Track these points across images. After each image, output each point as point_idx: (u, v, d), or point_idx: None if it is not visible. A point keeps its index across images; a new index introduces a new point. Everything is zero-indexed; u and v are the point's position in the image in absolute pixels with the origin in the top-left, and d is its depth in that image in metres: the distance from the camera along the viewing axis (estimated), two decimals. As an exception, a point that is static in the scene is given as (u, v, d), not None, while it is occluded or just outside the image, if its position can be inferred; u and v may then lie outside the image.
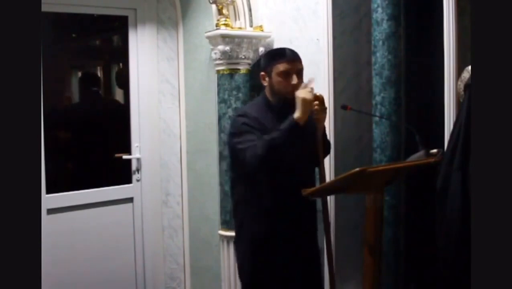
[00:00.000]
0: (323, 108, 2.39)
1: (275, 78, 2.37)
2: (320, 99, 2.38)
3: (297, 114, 2.23)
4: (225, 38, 3.17)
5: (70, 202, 3.45)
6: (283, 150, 2.24)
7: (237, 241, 2.56)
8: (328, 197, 2.88)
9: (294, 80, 2.35)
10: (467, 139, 1.86)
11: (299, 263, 2.44)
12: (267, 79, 2.41)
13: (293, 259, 2.42)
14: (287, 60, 2.36)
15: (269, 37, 3.31)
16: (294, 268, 2.43)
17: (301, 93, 2.25)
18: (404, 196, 2.66)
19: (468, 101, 1.93)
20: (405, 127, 2.59)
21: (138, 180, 3.71)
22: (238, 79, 3.24)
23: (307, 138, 2.37)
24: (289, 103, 2.32)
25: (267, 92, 2.45)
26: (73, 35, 3.81)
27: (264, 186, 2.38)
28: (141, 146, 3.69)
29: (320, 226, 2.52)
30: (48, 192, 3.34)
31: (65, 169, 3.68)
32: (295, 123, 2.22)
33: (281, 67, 2.35)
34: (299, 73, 2.38)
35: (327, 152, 2.59)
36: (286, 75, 2.35)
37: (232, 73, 3.24)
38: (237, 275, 3.25)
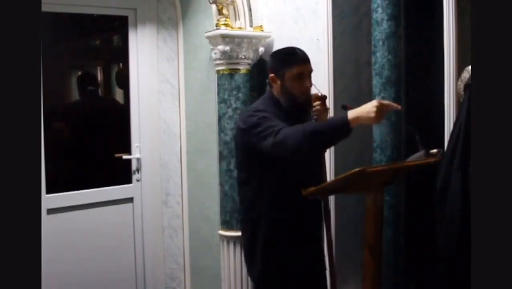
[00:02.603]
0: (325, 109, 2.38)
1: (289, 82, 2.31)
2: (322, 99, 2.36)
3: (352, 116, 2.04)
4: (225, 38, 3.17)
5: (70, 202, 3.45)
6: (323, 147, 2.17)
7: (252, 246, 2.44)
8: (328, 197, 2.88)
9: (308, 82, 2.33)
10: (467, 139, 1.86)
11: (308, 262, 2.43)
12: (278, 81, 2.34)
13: (303, 258, 2.41)
14: (301, 62, 2.32)
15: (269, 37, 3.31)
16: (304, 268, 2.42)
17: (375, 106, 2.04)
18: (404, 196, 2.66)
19: (468, 101, 1.93)
20: (405, 127, 2.59)
21: (138, 180, 3.71)
22: (238, 79, 3.24)
23: None
24: (299, 104, 2.32)
25: (276, 92, 2.38)
26: (73, 35, 3.81)
27: (276, 186, 2.34)
28: (141, 146, 3.69)
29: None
30: (48, 192, 3.34)
31: (65, 169, 3.68)
32: (347, 123, 2.05)
33: (296, 70, 2.30)
34: (310, 74, 2.36)
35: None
36: (300, 77, 2.30)
37: (232, 73, 3.24)
38: (237, 275, 3.28)
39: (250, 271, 2.53)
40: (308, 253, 2.43)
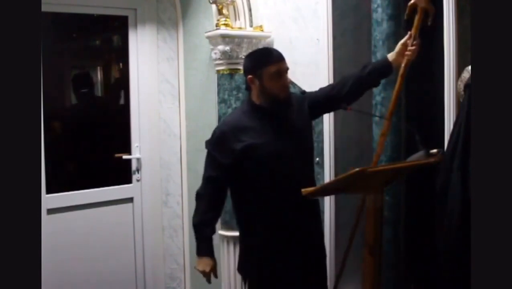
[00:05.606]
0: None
1: (268, 81, 2.28)
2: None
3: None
4: (225, 38, 3.17)
5: (70, 202, 3.45)
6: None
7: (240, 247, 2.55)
8: (328, 197, 2.88)
9: (287, 79, 2.33)
10: (467, 139, 1.86)
11: (305, 266, 2.41)
12: (256, 82, 2.31)
13: (299, 262, 2.38)
14: (277, 60, 2.30)
15: (269, 37, 3.31)
16: (300, 272, 2.40)
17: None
18: (404, 196, 2.66)
19: (468, 101, 1.93)
20: (405, 127, 2.59)
21: (138, 180, 3.71)
22: (238, 79, 3.24)
23: (298, 136, 2.36)
24: (280, 103, 2.31)
25: (254, 96, 2.35)
26: (73, 35, 3.81)
27: (260, 193, 2.34)
28: (141, 146, 3.69)
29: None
30: (48, 192, 3.34)
31: (65, 169, 3.68)
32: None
33: (273, 68, 2.28)
34: (286, 72, 2.35)
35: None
36: (278, 75, 2.29)
37: (232, 73, 3.24)
38: (237, 275, 3.28)
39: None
40: (306, 255, 2.39)
